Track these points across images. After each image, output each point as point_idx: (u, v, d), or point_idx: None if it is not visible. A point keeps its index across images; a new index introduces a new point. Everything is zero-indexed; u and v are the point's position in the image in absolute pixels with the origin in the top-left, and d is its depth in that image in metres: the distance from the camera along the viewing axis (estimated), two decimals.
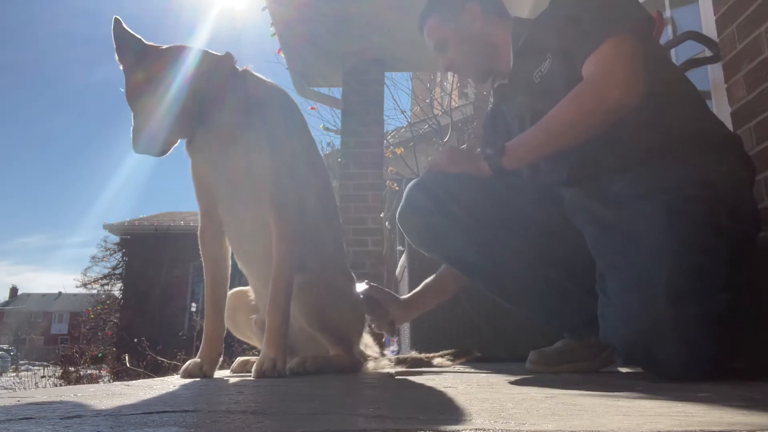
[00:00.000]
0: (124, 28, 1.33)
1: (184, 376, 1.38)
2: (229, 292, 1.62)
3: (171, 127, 1.34)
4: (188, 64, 1.35)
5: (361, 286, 1.73)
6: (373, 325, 1.78)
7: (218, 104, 1.40)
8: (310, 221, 1.50)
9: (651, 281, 1.15)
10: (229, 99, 1.41)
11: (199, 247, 1.52)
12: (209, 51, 1.46)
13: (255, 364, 1.31)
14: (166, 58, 1.35)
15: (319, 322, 1.47)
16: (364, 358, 1.63)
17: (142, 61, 1.32)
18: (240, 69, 1.48)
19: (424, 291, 1.79)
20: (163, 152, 1.36)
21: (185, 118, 1.35)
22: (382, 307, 1.74)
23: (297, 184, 1.46)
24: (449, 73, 1.69)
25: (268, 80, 1.52)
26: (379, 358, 1.70)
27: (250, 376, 1.57)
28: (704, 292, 1.13)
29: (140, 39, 1.35)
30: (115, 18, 1.31)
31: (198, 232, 1.53)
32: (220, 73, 1.42)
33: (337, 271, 1.57)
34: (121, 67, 1.34)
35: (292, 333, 1.52)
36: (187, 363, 1.42)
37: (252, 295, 1.64)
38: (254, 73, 1.51)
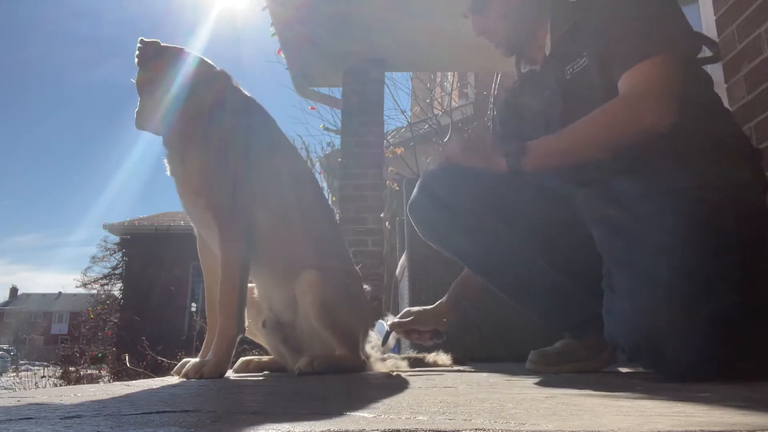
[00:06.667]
0: (146, 42, 1.56)
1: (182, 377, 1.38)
2: None
3: (160, 115, 1.54)
4: (175, 70, 1.57)
5: (383, 326, 1.78)
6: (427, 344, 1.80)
7: (182, 113, 1.51)
8: (305, 224, 1.56)
9: (657, 282, 1.15)
10: (194, 109, 1.51)
11: (198, 251, 1.58)
12: (200, 59, 1.59)
13: (189, 365, 1.35)
14: (164, 59, 1.56)
15: (328, 321, 1.47)
16: (367, 357, 1.63)
17: (148, 59, 1.56)
18: (233, 84, 1.58)
19: (453, 287, 1.76)
20: (158, 133, 1.58)
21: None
22: (415, 330, 1.75)
23: (250, 189, 1.49)
24: (479, 35, 1.60)
25: (241, 91, 1.59)
26: (380, 358, 1.70)
27: (251, 376, 1.57)
28: (711, 293, 1.13)
29: (156, 42, 1.57)
30: (141, 39, 1.56)
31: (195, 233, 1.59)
32: (199, 84, 1.54)
33: (345, 272, 1.58)
34: (136, 62, 1.58)
35: (297, 331, 1.54)
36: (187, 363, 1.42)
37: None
38: (236, 86, 1.58)
